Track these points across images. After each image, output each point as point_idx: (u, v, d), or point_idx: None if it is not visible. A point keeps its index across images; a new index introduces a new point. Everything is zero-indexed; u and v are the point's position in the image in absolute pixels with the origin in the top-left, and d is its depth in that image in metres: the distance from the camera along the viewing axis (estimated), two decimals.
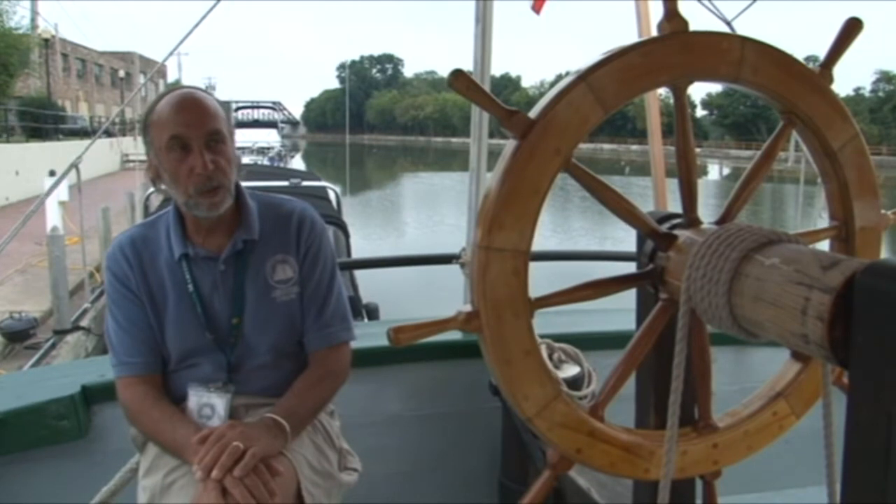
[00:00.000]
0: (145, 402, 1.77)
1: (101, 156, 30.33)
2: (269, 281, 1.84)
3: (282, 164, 32.75)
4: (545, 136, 1.14)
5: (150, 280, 1.82)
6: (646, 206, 1.35)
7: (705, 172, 57.95)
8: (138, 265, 1.82)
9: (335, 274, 1.93)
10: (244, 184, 1.91)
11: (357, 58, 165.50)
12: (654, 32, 1.23)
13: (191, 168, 1.69)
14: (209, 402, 1.77)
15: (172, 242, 1.81)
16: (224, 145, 1.74)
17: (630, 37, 1.24)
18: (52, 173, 9.62)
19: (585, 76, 1.15)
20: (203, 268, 1.82)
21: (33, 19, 37.79)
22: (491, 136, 3.08)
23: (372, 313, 6.23)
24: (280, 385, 1.81)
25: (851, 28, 1.30)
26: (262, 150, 45.97)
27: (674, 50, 1.19)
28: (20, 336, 9.44)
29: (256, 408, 1.80)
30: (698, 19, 1.25)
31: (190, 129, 1.70)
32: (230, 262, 1.82)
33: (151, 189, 8.41)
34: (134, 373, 1.81)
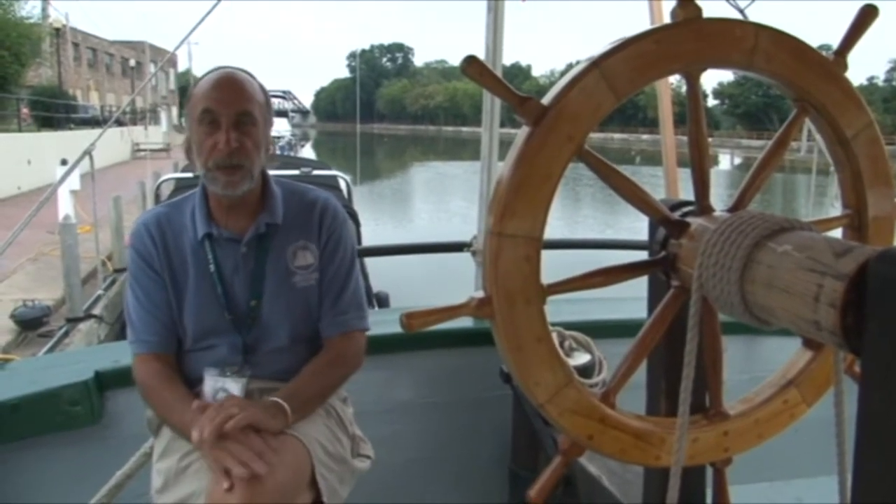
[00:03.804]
0: (158, 379, 1.80)
1: (111, 145, 30.42)
2: (289, 266, 1.86)
3: (292, 154, 32.75)
4: (558, 123, 1.14)
5: (172, 258, 1.85)
6: (656, 195, 1.35)
7: (717, 162, 57.66)
8: (162, 243, 1.85)
9: (354, 263, 1.95)
10: None
11: (367, 47, 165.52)
12: (666, 20, 1.23)
13: (215, 143, 1.73)
14: (224, 387, 1.79)
15: (197, 222, 1.84)
16: (253, 127, 1.77)
17: (641, 27, 1.24)
18: (63, 162, 9.66)
19: (598, 63, 1.15)
20: (225, 249, 1.84)
21: (44, 9, 37.95)
22: (502, 125, 3.08)
23: (382, 302, 6.24)
24: (295, 370, 1.83)
25: (866, 15, 1.29)
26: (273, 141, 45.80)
27: (687, 37, 1.19)
28: (33, 324, 9.51)
29: (271, 392, 1.81)
30: (710, 7, 1.25)
31: (221, 106, 1.74)
32: (252, 245, 1.84)
33: (162, 178, 8.44)
34: (150, 350, 1.84)
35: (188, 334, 1.85)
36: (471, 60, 1.13)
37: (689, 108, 1.27)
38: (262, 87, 1.84)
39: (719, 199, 1.35)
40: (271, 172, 1.94)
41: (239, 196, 1.79)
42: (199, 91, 1.78)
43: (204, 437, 1.54)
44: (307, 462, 1.68)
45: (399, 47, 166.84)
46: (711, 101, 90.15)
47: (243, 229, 1.84)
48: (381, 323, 2.09)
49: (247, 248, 1.84)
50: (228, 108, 1.74)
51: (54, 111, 32.15)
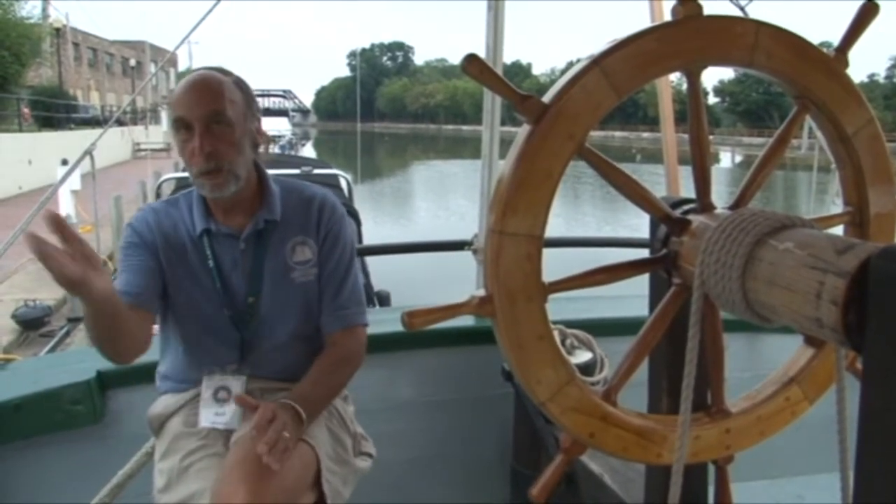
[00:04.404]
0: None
1: (112, 144, 30.44)
2: (287, 262, 1.85)
3: (293, 153, 32.74)
4: (558, 121, 1.14)
5: (170, 252, 1.83)
6: (657, 192, 1.35)
7: (717, 160, 57.66)
8: (161, 236, 1.83)
9: (353, 259, 1.95)
10: None
11: (368, 45, 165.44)
12: (667, 18, 1.23)
13: (192, 150, 1.72)
14: (224, 385, 1.79)
15: (195, 218, 1.83)
16: (227, 127, 1.73)
17: (642, 25, 1.24)
18: (64, 162, 9.68)
19: (599, 61, 1.15)
20: (224, 245, 1.84)
21: (45, 9, 37.94)
22: (502, 123, 3.08)
23: (384, 300, 6.24)
24: (295, 368, 1.82)
25: (867, 12, 1.29)
26: (272, 139, 45.84)
27: (687, 34, 1.19)
28: (35, 324, 9.52)
29: (272, 392, 1.81)
30: (711, 5, 1.25)
31: (190, 111, 1.71)
32: (250, 242, 1.84)
33: (163, 177, 8.44)
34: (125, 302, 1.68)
35: (186, 331, 1.85)
36: (471, 59, 1.13)
37: (690, 106, 1.27)
38: (238, 83, 1.80)
39: (720, 196, 1.35)
40: (271, 172, 1.94)
41: (230, 196, 1.78)
42: (173, 98, 1.76)
43: (259, 452, 1.51)
44: (314, 464, 1.68)
45: (399, 46, 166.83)
46: (712, 99, 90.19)
47: (242, 225, 1.84)
48: (383, 321, 2.10)
49: (245, 245, 1.83)
50: (197, 111, 1.71)
51: (55, 111, 32.18)
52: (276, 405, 1.63)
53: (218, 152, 1.72)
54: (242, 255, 1.84)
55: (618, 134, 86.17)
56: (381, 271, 6.90)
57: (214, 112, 1.72)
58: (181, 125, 1.73)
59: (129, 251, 1.83)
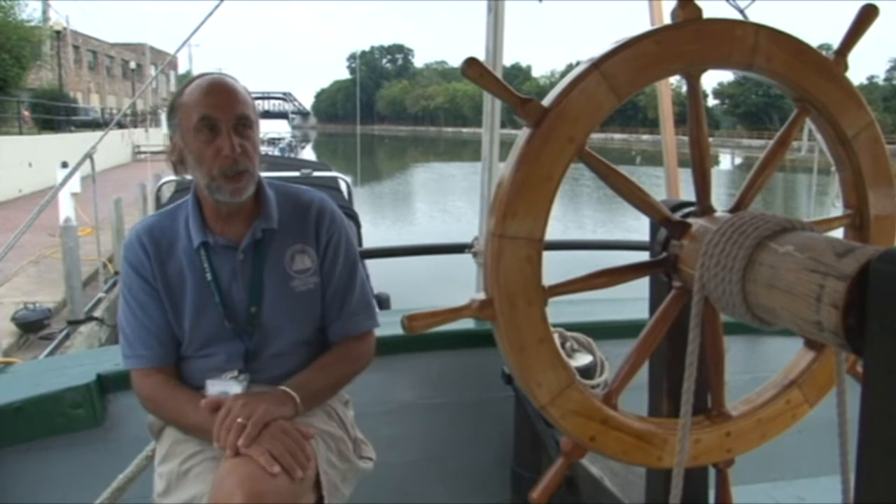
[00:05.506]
0: (164, 389, 1.79)
1: (112, 147, 30.45)
2: (287, 270, 1.84)
3: (293, 155, 32.77)
4: (558, 124, 1.14)
5: (167, 269, 1.82)
6: (656, 195, 1.35)
7: (717, 162, 57.73)
8: (156, 254, 1.82)
9: (357, 264, 1.95)
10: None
11: (367, 48, 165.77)
12: (666, 20, 1.23)
13: (218, 150, 1.70)
14: (226, 391, 1.78)
15: (191, 231, 1.81)
16: (251, 131, 1.75)
17: (642, 27, 1.24)
18: (64, 165, 9.66)
19: (599, 64, 1.15)
20: (222, 256, 1.82)
21: (45, 11, 38.00)
22: (502, 126, 3.08)
23: (383, 303, 6.23)
24: (296, 373, 1.82)
25: (867, 15, 1.29)
26: (272, 141, 45.80)
27: (687, 37, 1.19)
28: (34, 327, 9.52)
29: None
30: (710, 7, 1.25)
31: (220, 112, 1.71)
32: (249, 251, 1.82)
33: (163, 179, 8.42)
34: (149, 364, 1.81)
35: (188, 343, 1.83)
36: (471, 62, 1.13)
37: (690, 109, 1.27)
38: (247, 89, 1.83)
39: (720, 199, 1.35)
40: (269, 174, 1.93)
41: (243, 201, 1.78)
42: (190, 99, 1.73)
43: (227, 456, 1.56)
44: (313, 465, 1.68)
45: (399, 48, 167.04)
46: (712, 101, 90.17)
47: (239, 236, 1.82)
48: (383, 325, 2.09)
49: (244, 255, 1.82)
50: (227, 112, 1.71)
51: (55, 114, 32.18)
52: (256, 396, 1.68)
53: (246, 155, 1.72)
54: (241, 265, 1.82)
55: (617, 136, 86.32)
56: (380, 274, 6.89)
57: (244, 115, 1.73)
58: (206, 125, 1.71)
59: (132, 291, 1.83)
